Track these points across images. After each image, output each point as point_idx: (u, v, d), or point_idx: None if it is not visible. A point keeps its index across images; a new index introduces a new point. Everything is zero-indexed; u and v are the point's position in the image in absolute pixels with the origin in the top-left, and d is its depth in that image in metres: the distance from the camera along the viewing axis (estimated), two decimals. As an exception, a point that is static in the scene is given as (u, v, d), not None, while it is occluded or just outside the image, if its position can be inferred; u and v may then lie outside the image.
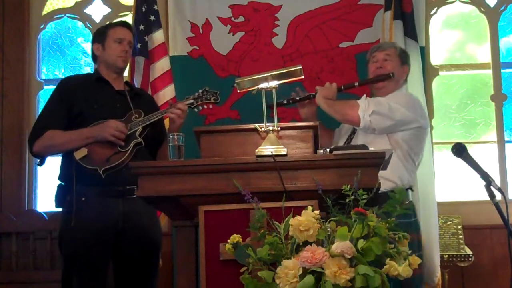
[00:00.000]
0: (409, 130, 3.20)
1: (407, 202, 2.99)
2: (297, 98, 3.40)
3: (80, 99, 3.20)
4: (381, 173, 2.48)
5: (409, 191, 3.26)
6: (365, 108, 3.13)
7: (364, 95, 3.28)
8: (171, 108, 3.19)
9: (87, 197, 3.07)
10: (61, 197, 3.16)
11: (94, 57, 3.39)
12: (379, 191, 2.31)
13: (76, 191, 3.04)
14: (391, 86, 3.34)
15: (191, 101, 3.24)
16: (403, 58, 3.42)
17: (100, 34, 3.36)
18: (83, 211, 3.04)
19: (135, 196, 2.94)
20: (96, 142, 3.08)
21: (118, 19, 4.75)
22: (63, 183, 3.18)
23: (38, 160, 3.25)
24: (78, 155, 3.07)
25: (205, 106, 3.27)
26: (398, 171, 3.14)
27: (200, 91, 3.26)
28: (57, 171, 3.25)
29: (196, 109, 3.28)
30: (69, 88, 3.26)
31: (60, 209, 3.20)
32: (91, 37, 3.47)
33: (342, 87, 3.35)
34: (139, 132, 3.14)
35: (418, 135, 3.25)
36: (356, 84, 3.41)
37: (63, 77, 4.77)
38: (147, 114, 3.18)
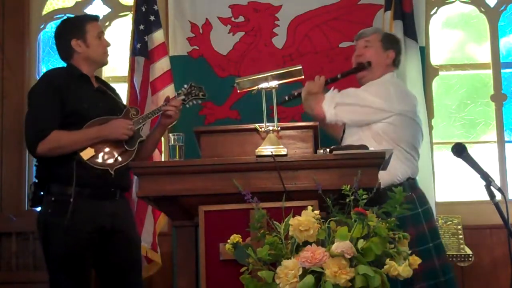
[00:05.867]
0: (386, 120, 3.07)
1: (408, 194, 2.97)
2: (296, 94, 3.33)
3: (70, 97, 3.07)
4: None
5: (408, 181, 3.15)
6: (330, 101, 3.08)
7: (332, 88, 3.21)
8: (166, 106, 3.13)
9: (75, 199, 2.95)
10: (38, 196, 3.05)
11: (69, 54, 3.20)
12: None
13: (73, 192, 2.93)
14: (374, 73, 3.25)
15: (183, 97, 3.16)
16: (387, 43, 3.31)
17: (78, 29, 3.18)
18: (75, 211, 2.94)
19: (117, 198, 3.07)
20: (101, 142, 3.01)
21: (118, 19, 4.81)
22: (37, 182, 3.06)
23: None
24: (86, 155, 2.97)
25: (195, 102, 3.20)
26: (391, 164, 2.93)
27: (186, 86, 3.18)
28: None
29: (187, 105, 3.19)
30: (57, 84, 3.11)
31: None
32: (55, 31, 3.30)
33: (329, 80, 3.32)
34: (141, 130, 3.12)
35: (400, 123, 3.10)
36: (339, 76, 3.36)
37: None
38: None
